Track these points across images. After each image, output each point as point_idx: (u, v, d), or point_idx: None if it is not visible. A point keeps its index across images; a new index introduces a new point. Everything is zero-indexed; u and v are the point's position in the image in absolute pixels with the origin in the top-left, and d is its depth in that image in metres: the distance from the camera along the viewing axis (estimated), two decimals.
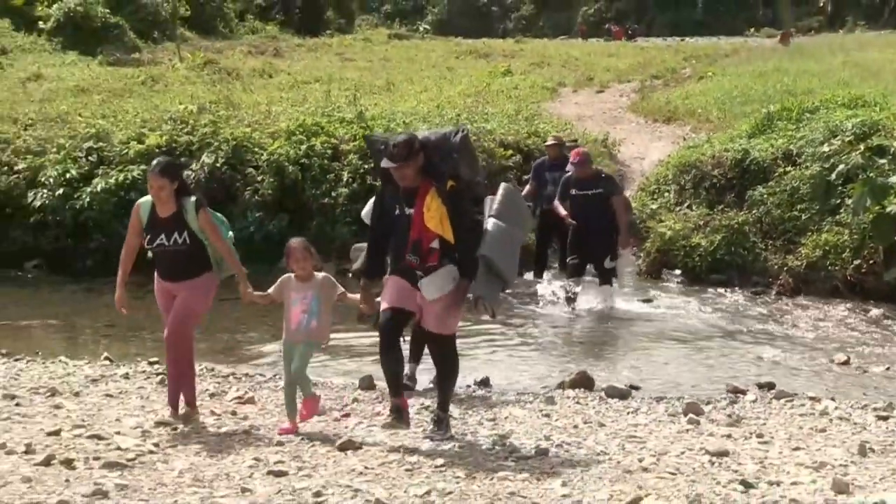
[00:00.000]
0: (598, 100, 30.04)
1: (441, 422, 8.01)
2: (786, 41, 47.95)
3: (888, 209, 14.13)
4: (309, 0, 64.14)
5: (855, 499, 6.46)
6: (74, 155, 18.85)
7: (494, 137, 19.52)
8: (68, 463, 7.11)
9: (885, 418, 8.81)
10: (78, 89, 28.97)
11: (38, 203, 18.20)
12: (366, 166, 17.48)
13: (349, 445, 7.67)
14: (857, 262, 14.84)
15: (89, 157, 18.77)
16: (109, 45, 43.54)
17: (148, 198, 8.27)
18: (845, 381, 10.69)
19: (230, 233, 8.57)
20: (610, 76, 35.64)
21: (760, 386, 10.08)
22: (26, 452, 7.35)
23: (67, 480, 6.73)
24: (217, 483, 6.77)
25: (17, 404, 8.96)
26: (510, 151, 18.94)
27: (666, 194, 17.92)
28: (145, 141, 18.90)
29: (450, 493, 6.60)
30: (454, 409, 8.90)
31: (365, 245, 8.43)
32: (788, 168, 16.68)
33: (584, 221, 13.72)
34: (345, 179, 17.81)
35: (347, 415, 8.75)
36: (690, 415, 8.77)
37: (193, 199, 8.23)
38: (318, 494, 6.49)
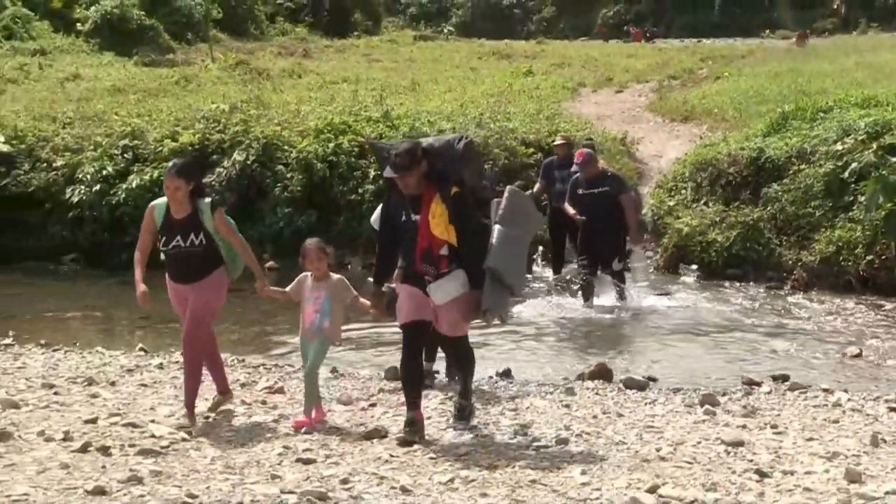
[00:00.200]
0: (617, 99, 29.94)
1: (463, 410, 7.98)
2: (802, 42, 47.65)
3: None
4: (337, 3, 64.21)
5: (867, 487, 6.43)
6: (111, 152, 18.95)
7: (516, 136, 19.48)
8: (104, 450, 7.15)
9: None
10: (114, 89, 29.11)
11: (75, 199, 18.31)
12: None
13: (375, 434, 7.68)
14: (869, 257, 14.75)
15: (125, 155, 18.86)
16: (145, 47, 43.74)
17: (162, 199, 8.08)
18: (858, 374, 10.63)
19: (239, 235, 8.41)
20: (629, 76, 35.49)
21: (775, 378, 10.03)
22: (64, 439, 7.39)
23: (104, 467, 6.76)
24: (248, 470, 6.79)
25: (55, 393, 9.02)
26: (531, 149, 18.90)
27: (683, 191, 17.85)
28: (179, 139, 18.97)
29: (472, 480, 6.61)
30: (477, 401, 8.91)
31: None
32: (802, 166, 16.58)
33: (591, 220, 13.59)
34: (371, 176, 17.80)
35: (374, 404, 8.75)
36: (706, 406, 8.74)
37: (208, 200, 8.09)
38: (345, 481, 6.51)
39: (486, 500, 6.22)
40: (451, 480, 6.60)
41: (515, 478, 6.67)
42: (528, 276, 15.79)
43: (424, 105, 23.70)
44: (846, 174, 15.69)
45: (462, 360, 8.09)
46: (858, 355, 11.30)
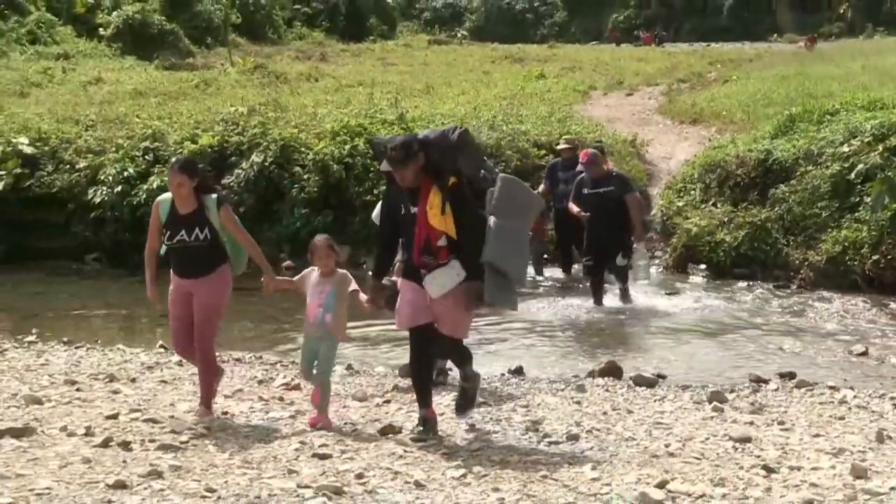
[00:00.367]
0: (627, 102, 29.89)
1: (466, 392, 7.89)
2: (811, 46, 47.48)
3: None
4: (353, 8, 64.28)
5: (872, 483, 6.41)
6: (132, 154, 18.99)
7: (528, 138, 19.49)
8: (125, 445, 7.16)
9: None
10: (135, 92, 29.18)
11: (98, 199, 18.37)
12: None
13: (390, 430, 7.67)
14: (875, 257, 14.71)
15: (146, 157, 18.91)
16: (165, 51, 43.86)
17: (167, 195, 8.00)
18: (863, 372, 10.60)
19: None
20: (639, 80, 35.45)
21: (782, 375, 10.01)
22: (86, 435, 7.40)
23: (124, 461, 6.77)
24: (265, 465, 6.80)
25: (77, 389, 9.04)
26: (543, 151, 18.88)
27: (692, 192, 17.83)
28: (198, 141, 19.00)
29: (485, 475, 6.60)
30: (489, 397, 8.91)
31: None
32: (809, 167, 16.54)
33: (596, 220, 13.57)
34: None
35: (388, 401, 8.75)
36: (715, 402, 8.72)
37: (214, 196, 8.03)
38: (360, 476, 6.50)
39: (498, 494, 6.21)
40: (464, 475, 6.59)
41: (527, 473, 6.66)
42: (541, 276, 15.93)
43: (438, 108, 23.72)
44: (852, 175, 15.62)
45: (456, 353, 7.91)
46: (864, 353, 11.27)
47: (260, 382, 9.46)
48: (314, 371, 7.99)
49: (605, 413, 8.43)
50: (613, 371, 10.02)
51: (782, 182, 16.71)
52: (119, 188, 18.31)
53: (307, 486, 6.26)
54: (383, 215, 7.92)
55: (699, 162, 18.54)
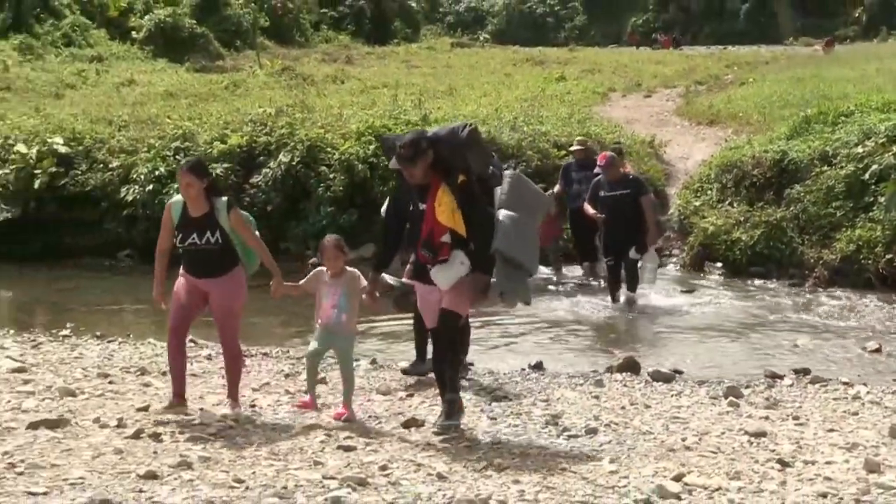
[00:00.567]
0: (645, 104, 29.82)
1: (452, 405, 7.49)
2: (829, 49, 47.15)
3: None
4: (378, 12, 64.34)
5: (885, 477, 6.38)
6: (163, 154, 19.04)
7: (549, 139, 19.46)
8: (156, 436, 7.18)
9: None
10: (167, 94, 29.32)
11: (130, 198, 18.42)
12: None
13: (413, 423, 7.68)
14: (888, 256, 14.63)
15: (177, 156, 18.93)
16: (196, 54, 44.09)
17: (179, 197, 7.87)
18: (876, 368, 10.55)
19: (256, 232, 8.10)
20: (657, 82, 35.36)
21: (796, 371, 9.96)
22: (118, 426, 7.43)
23: (155, 452, 6.80)
24: (291, 456, 6.81)
25: (110, 382, 9.08)
26: (563, 152, 18.84)
27: (709, 192, 17.77)
28: (227, 141, 19.03)
29: (506, 468, 6.60)
30: (509, 390, 8.90)
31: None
32: (824, 168, 16.45)
33: (613, 221, 13.56)
34: None
35: (411, 395, 8.76)
36: (731, 398, 8.70)
37: (225, 199, 7.87)
38: (384, 468, 6.51)
39: (518, 486, 6.21)
40: (486, 467, 6.59)
41: (547, 465, 6.66)
42: (552, 270, 15.92)
43: (461, 109, 23.69)
44: (866, 176, 15.57)
45: (447, 344, 7.58)
46: (877, 350, 11.22)
47: (287, 376, 9.48)
48: (341, 370, 7.98)
49: (622, 407, 8.42)
50: (631, 367, 10.00)
51: (797, 182, 16.62)
52: (150, 187, 18.36)
53: (332, 478, 6.27)
54: (390, 211, 7.90)
55: (716, 162, 18.48)
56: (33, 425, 7.34)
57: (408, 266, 8.05)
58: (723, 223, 16.47)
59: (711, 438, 7.40)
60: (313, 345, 8.06)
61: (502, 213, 7.42)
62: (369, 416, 7.97)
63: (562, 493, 6.08)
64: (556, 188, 15.70)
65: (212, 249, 7.76)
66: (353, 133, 19.06)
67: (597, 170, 13.97)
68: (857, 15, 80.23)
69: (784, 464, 6.68)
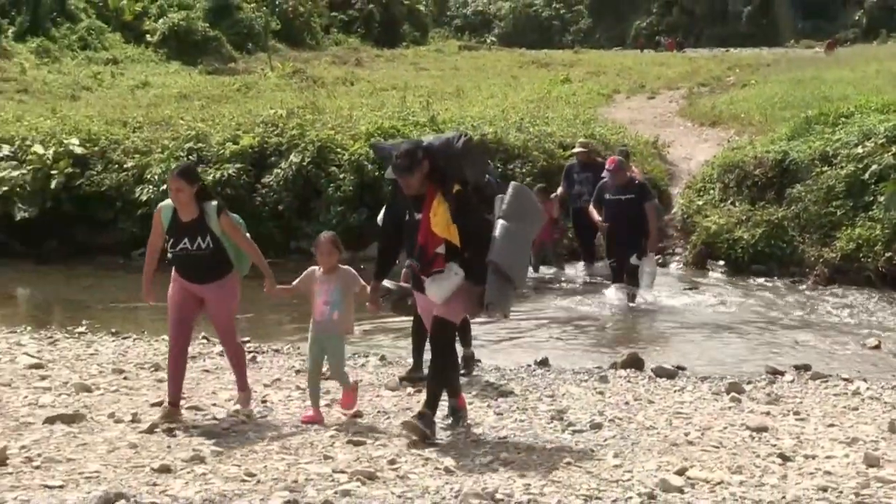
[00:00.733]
0: (649, 105, 29.78)
1: (423, 417, 7.19)
2: (831, 50, 47.04)
3: None
4: (387, 15, 64.30)
5: (885, 472, 6.37)
6: (177, 154, 19.03)
7: (554, 140, 19.44)
8: (170, 431, 7.21)
9: None
10: (180, 96, 29.33)
11: (144, 197, 18.41)
12: None
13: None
14: (888, 254, 14.60)
15: (190, 157, 18.93)
16: (209, 56, 44.12)
17: (169, 202, 7.68)
18: (876, 364, 10.54)
19: (247, 234, 7.95)
20: (660, 84, 35.28)
21: (797, 367, 9.97)
22: (132, 421, 7.46)
23: (169, 447, 6.82)
24: (302, 451, 6.82)
25: (124, 378, 9.10)
26: (568, 152, 18.84)
27: (711, 192, 17.74)
28: (239, 142, 19.03)
29: (511, 462, 6.61)
30: (515, 387, 8.90)
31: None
32: (825, 168, 16.42)
33: (616, 225, 13.53)
34: None
35: (419, 390, 8.75)
36: (732, 393, 8.69)
37: (214, 203, 7.70)
38: (392, 462, 6.52)
39: (524, 480, 6.22)
40: (492, 462, 6.60)
41: (552, 460, 6.66)
42: (555, 270, 15.95)
43: (468, 110, 23.67)
44: (866, 176, 15.54)
45: (439, 352, 7.40)
46: (877, 346, 11.22)
47: (297, 372, 9.48)
48: (330, 366, 7.94)
49: (626, 403, 8.42)
50: (635, 363, 9.99)
51: (798, 182, 16.59)
52: (164, 187, 18.34)
53: (342, 472, 6.28)
54: (386, 220, 7.81)
55: (718, 162, 18.45)
56: (50, 420, 7.38)
57: (404, 270, 7.94)
58: (725, 222, 16.45)
59: (714, 433, 7.40)
60: (309, 361, 7.92)
61: (499, 224, 7.28)
62: (378, 412, 7.98)
63: (567, 487, 6.09)
64: (559, 190, 15.77)
65: (203, 255, 7.62)
66: (363, 134, 19.05)
67: (604, 173, 13.94)
68: (857, 18, 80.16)
69: (785, 458, 6.69)
